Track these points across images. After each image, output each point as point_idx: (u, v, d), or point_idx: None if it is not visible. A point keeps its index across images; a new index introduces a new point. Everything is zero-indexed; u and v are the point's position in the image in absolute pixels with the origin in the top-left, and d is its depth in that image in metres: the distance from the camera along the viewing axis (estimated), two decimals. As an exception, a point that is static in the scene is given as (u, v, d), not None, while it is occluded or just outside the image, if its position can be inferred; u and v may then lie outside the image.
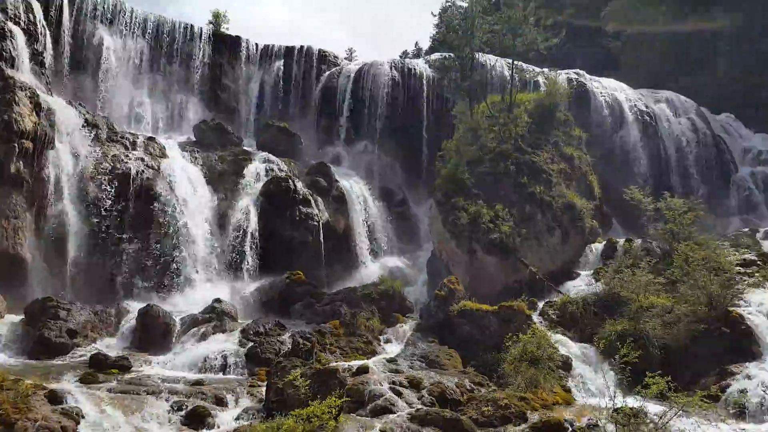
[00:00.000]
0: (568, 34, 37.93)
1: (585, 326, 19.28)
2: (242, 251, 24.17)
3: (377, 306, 20.97)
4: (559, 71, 34.42)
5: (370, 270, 26.21)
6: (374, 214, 28.64)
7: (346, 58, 41.20)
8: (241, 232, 24.56)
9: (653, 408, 10.40)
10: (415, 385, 14.53)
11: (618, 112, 33.72)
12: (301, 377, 11.93)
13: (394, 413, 12.88)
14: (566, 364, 16.97)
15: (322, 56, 36.15)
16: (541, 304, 21.11)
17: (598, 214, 27.30)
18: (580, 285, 22.75)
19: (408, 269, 27.04)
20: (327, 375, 12.37)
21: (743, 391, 14.57)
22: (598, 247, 25.27)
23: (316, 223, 25.66)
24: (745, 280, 19.62)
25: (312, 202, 26.21)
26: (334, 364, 15.38)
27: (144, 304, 19.21)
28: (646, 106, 34.55)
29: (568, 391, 15.77)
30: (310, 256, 25.05)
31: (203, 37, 33.65)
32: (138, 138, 25.59)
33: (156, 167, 24.49)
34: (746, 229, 26.42)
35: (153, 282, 22.39)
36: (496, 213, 23.68)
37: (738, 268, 19.98)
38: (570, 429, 11.62)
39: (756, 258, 21.55)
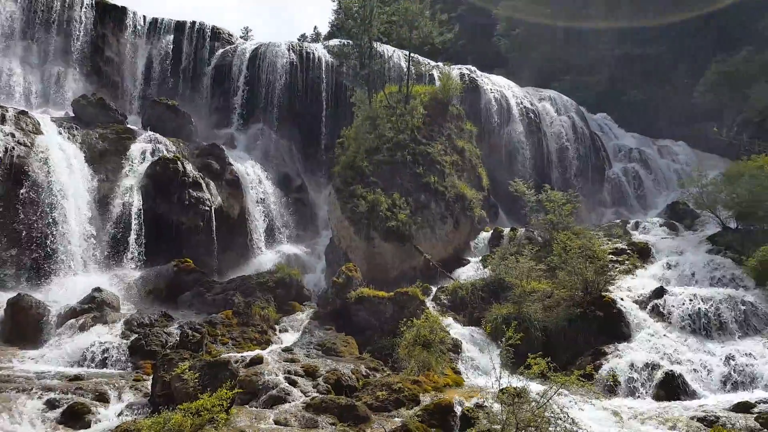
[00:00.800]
0: (462, 31, 39.17)
1: (474, 310, 20.22)
2: (125, 237, 22.65)
3: (273, 294, 20.60)
4: (452, 66, 35.54)
5: (266, 257, 25.64)
6: (271, 199, 28.00)
7: (242, 37, 39.79)
8: (124, 216, 23.00)
9: (535, 387, 10.94)
10: (310, 373, 14.44)
11: (506, 108, 35.37)
12: (189, 370, 11.42)
13: (289, 403, 12.73)
14: (456, 347, 17.64)
15: (216, 33, 34.70)
16: (434, 290, 21.83)
17: (486, 204, 28.74)
18: (470, 271, 23.79)
19: (306, 257, 26.80)
20: (218, 367, 11.93)
21: (614, 370, 15.87)
22: (486, 235, 26.50)
23: (207, 208, 24.59)
24: (616, 268, 21.47)
25: (203, 185, 25.07)
26: (226, 355, 14.92)
27: (14, 294, 17.64)
28: (531, 104, 36.55)
29: (458, 372, 16.39)
30: (201, 243, 24.02)
31: (85, 4, 31.00)
32: (8, 111, 23.05)
33: (29, 144, 22.26)
34: (618, 221, 28.67)
35: (24, 270, 20.44)
36: (394, 201, 24.11)
37: (610, 256, 21.74)
38: (459, 409, 12.10)
39: (626, 247, 23.51)
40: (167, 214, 23.76)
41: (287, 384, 13.48)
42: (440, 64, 36.03)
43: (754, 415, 12.04)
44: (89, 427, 11.23)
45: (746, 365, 15.49)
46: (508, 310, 18.51)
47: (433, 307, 20.23)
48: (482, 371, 16.74)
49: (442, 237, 25.36)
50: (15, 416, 11.04)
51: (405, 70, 31.93)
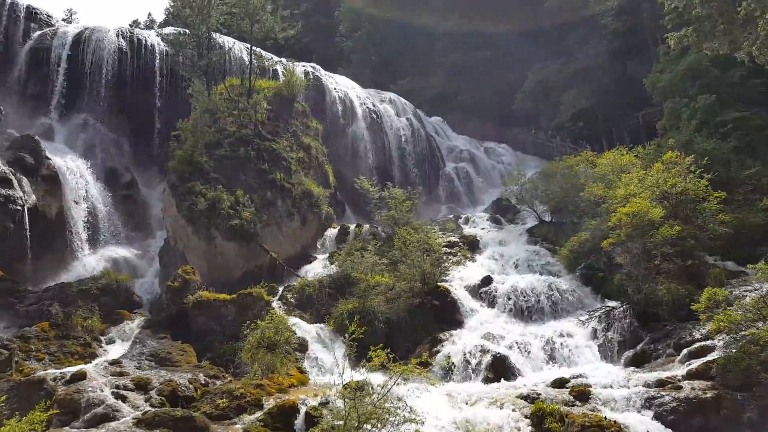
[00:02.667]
0: (307, 28, 39.08)
1: (321, 307, 20.28)
2: None
3: (98, 303, 18.83)
4: (296, 63, 35.33)
5: (90, 262, 23.29)
6: (95, 197, 25.47)
7: (64, 20, 35.85)
8: None
9: (378, 379, 11.25)
10: (142, 386, 13.40)
11: (350, 108, 36.07)
12: (-4, 393, 10.04)
13: (118, 420, 11.71)
14: (303, 346, 17.57)
15: (32, 13, 31.03)
16: (280, 289, 21.54)
17: (333, 201, 29.05)
18: (317, 268, 23.83)
19: (137, 260, 24.81)
20: (30, 387, 10.68)
21: (448, 356, 16.85)
22: (333, 232, 26.78)
23: (19, 207, 21.66)
24: (450, 259, 22.92)
25: (14, 182, 22.04)
26: (42, 372, 13.33)
27: None
28: (374, 105, 37.70)
29: (303, 372, 16.34)
30: (12, 247, 21.07)
31: None
32: None
33: None
34: (451, 216, 30.59)
35: None
36: (237, 199, 23.31)
37: (445, 249, 23.19)
38: (303, 409, 12.06)
39: (458, 240, 25.21)
40: (-32, 216, 20.57)
41: (115, 400, 12.39)
42: (284, 60, 35.58)
43: (568, 389, 13.56)
44: None
45: (561, 344, 17.33)
46: (353, 305, 18.85)
47: (280, 306, 19.95)
48: (328, 368, 16.84)
49: (289, 235, 25.10)
50: None
51: (247, 63, 31.02)
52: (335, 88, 36.48)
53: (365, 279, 19.90)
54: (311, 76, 35.30)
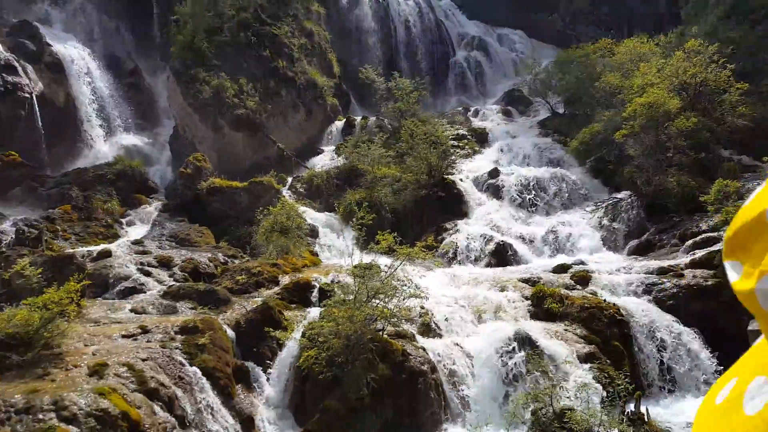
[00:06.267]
0: None
1: (329, 197, 20.76)
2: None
3: (115, 188, 19.35)
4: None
5: (102, 149, 23.53)
6: (101, 85, 25.16)
7: None
8: None
9: (385, 261, 11.78)
10: (165, 263, 14.13)
11: (354, -10, 34.22)
12: (30, 266, 10.64)
13: (145, 293, 12.48)
14: (313, 232, 18.22)
15: None
16: (289, 179, 21.85)
17: (338, 91, 28.46)
18: (325, 160, 24.04)
19: (148, 148, 24.97)
20: (62, 261, 11.26)
21: (453, 242, 17.54)
22: (339, 124, 26.63)
23: (27, 95, 21.57)
24: (458, 152, 22.95)
25: (19, 69, 21.77)
26: (70, 250, 14.00)
27: None
28: (380, -13, 35.64)
29: (315, 254, 17.06)
30: (25, 135, 21.25)
31: None
32: None
33: None
34: (460, 108, 30.11)
35: None
36: (241, 87, 23.00)
37: (452, 141, 23.11)
38: (317, 285, 12.77)
39: (467, 133, 25.13)
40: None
41: (141, 275, 13.11)
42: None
43: (570, 275, 14.14)
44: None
45: (566, 234, 17.85)
46: (360, 195, 19.20)
47: (290, 196, 20.37)
48: (338, 252, 17.58)
49: (295, 126, 25.01)
50: None
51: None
52: (337, -31, 34.43)
53: (372, 171, 20.12)
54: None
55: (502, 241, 17.32)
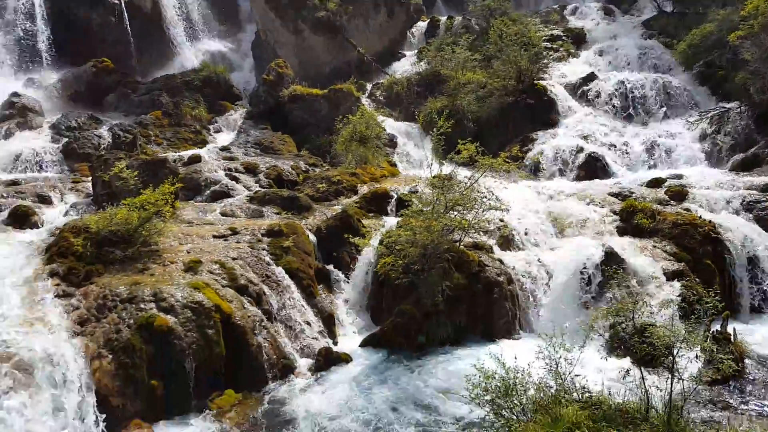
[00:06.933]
0: None
1: (409, 105, 20.16)
2: (31, 38, 20.49)
3: (201, 94, 19.78)
4: None
5: (188, 56, 23.96)
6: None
7: None
8: (23, 14, 20.54)
9: (465, 173, 11.43)
10: (251, 170, 14.65)
11: None
12: (127, 169, 11.33)
13: (233, 197, 13.08)
14: (392, 142, 18.06)
15: None
16: (369, 87, 21.50)
17: (421, -12, 26.97)
18: (406, 65, 23.28)
19: (231, 54, 25.24)
20: (156, 165, 11.88)
21: (540, 153, 16.80)
22: (422, 25, 25.49)
23: (117, 1, 22.08)
24: (550, 55, 21.41)
25: (108, -25, 22.19)
26: (163, 154, 14.77)
27: None
28: None
29: (394, 165, 16.99)
30: (116, 42, 21.98)
31: None
32: None
33: None
34: (556, 6, 27.83)
35: None
36: (321, -14, 22.34)
37: (545, 43, 21.53)
38: (395, 195, 12.82)
39: (562, 33, 23.31)
40: (73, 10, 21.37)
41: (229, 180, 13.71)
42: None
43: (664, 189, 13.28)
44: (38, 227, 11.31)
45: (664, 146, 16.61)
46: (442, 103, 18.53)
47: (369, 103, 20.13)
48: (417, 163, 17.40)
49: (376, 28, 24.21)
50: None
51: None
52: None
53: (455, 76, 19.30)
54: None
55: (594, 152, 16.45)
